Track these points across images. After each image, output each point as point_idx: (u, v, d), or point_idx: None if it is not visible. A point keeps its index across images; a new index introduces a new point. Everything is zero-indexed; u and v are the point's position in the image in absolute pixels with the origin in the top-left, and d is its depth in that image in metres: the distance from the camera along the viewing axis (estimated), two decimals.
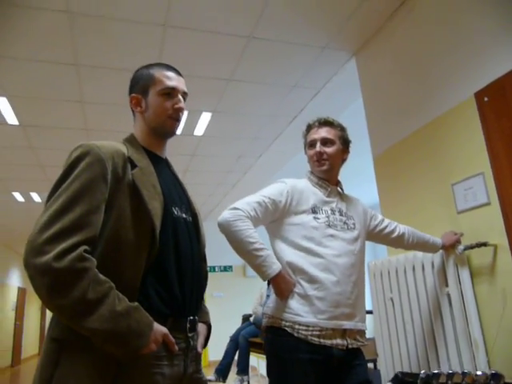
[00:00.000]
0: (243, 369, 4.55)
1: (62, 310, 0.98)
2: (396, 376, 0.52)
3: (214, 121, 4.19)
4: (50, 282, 0.96)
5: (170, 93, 1.28)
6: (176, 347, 1.12)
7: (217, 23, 2.77)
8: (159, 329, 1.07)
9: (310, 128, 1.82)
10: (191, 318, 1.20)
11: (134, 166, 1.18)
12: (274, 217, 1.66)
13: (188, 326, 1.18)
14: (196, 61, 3.18)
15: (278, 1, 2.59)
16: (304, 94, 3.81)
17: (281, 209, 1.64)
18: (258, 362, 5.72)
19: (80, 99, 3.59)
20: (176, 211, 1.24)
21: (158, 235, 1.12)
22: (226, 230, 1.55)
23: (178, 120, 1.30)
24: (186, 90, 1.33)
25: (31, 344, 13.34)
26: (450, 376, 0.47)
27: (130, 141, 1.27)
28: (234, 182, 6.42)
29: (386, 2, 2.63)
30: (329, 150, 1.75)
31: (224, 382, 4.54)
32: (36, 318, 14.41)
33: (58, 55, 2.98)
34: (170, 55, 3.07)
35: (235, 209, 1.57)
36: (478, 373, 0.48)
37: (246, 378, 4.52)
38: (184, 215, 1.27)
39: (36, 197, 6.27)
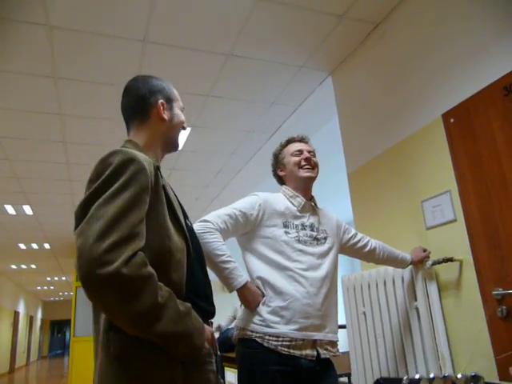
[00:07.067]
0: None
1: (135, 318, 0.96)
2: (377, 381, 0.54)
3: (192, 135, 4.22)
4: (121, 290, 0.93)
5: (183, 110, 1.41)
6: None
7: (196, 40, 2.83)
8: (207, 327, 1.14)
9: (289, 143, 1.89)
10: (211, 320, 1.29)
11: (161, 175, 1.19)
12: (246, 229, 1.69)
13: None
14: (175, 76, 3.21)
15: (257, 20, 2.66)
16: (282, 112, 3.89)
17: (252, 222, 1.68)
18: (235, 378, 5.67)
19: (58, 112, 3.58)
20: (188, 222, 1.30)
21: (190, 243, 1.18)
22: None
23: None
24: None
25: (1, 362, 12.93)
26: (432, 381, 0.50)
27: (140, 149, 1.23)
28: (213, 197, 6.43)
29: (360, 24, 2.73)
30: (316, 160, 1.84)
31: None
32: (7, 335, 13.98)
33: (37, 67, 2.98)
34: (149, 70, 3.09)
35: (205, 221, 1.61)
36: (459, 376, 0.51)
37: None
38: (190, 225, 1.33)
39: (10, 209, 6.15)
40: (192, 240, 1.23)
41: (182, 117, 1.39)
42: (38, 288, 17.35)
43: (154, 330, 0.97)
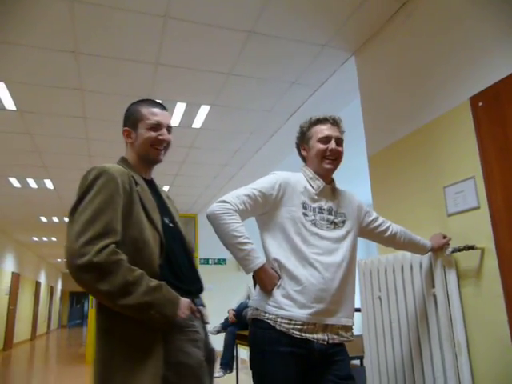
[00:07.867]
0: (226, 363, 4.60)
1: (110, 295, 1.22)
2: None
3: (212, 114, 4.19)
4: (95, 274, 1.21)
5: (156, 127, 1.53)
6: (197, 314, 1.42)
7: (218, 17, 2.77)
8: (184, 299, 1.36)
9: (319, 122, 1.78)
10: (194, 298, 1.47)
11: (136, 183, 1.43)
12: (264, 209, 1.67)
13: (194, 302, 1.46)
14: (196, 54, 3.18)
15: None
16: (303, 91, 3.82)
17: (271, 202, 1.66)
18: (248, 355, 5.78)
19: (79, 87, 3.59)
20: (167, 220, 1.50)
21: (163, 239, 1.39)
22: (213, 222, 1.60)
23: (160, 149, 1.55)
24: (170, 123, 1.58)
25: (24, 329, 13.40)
26: None
27: (127, 164, 1.51)
28: (231, 176, 6.43)
29: (385, 3, 2.64)
30: (342, 149, 1.77)
31: (231, 372, 4.57)
32: (29, 304, 14.44)
33: (58, 42, 2.97)
34: (170, 47, 3.07)
35: (223, 202, 1.60)
36: None
37: (228, 371, 4.58)
38: (171, 224, 1.53)
39: (32, 182, 6.27)
40: (169, 234, 1.44)
41: (146, 134, 1.52)
42: (59, 260, 17.79)
43: (127, 302, 1.22)
